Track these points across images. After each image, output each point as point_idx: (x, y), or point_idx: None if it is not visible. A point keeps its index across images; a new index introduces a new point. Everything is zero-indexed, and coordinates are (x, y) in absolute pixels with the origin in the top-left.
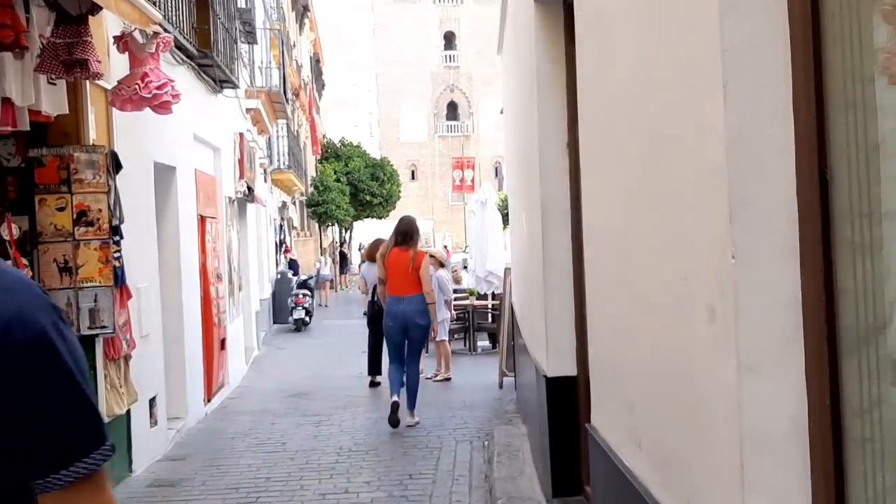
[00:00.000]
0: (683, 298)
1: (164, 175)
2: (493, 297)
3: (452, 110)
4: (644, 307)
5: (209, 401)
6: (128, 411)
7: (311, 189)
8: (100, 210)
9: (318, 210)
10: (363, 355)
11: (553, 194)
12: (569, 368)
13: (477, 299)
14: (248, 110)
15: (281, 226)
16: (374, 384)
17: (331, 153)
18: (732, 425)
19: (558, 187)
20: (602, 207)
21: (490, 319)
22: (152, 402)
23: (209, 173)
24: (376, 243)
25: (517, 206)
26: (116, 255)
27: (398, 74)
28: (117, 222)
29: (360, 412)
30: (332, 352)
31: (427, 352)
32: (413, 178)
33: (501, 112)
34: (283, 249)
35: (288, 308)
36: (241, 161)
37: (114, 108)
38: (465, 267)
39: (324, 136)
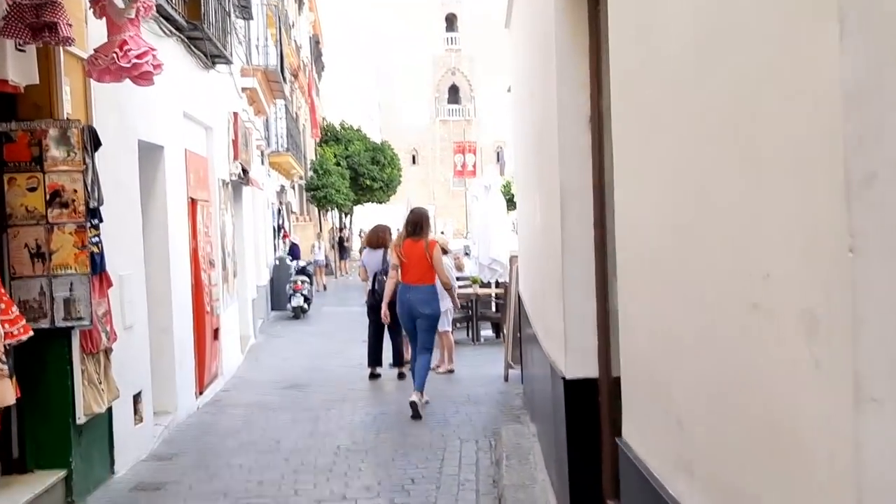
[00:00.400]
0: (765, 304)
1: (150, 155)
2: (497, 285)
3: (454, 94)
4: (704, 310)
5: (201, 393)
6: (109, 409)
7: (310, 173)
8: (75, 191)
9: (318, 194)
10: (363, 344)
11: (573, 176)
12: (590, 370)
13: (480, 287)
14: (243, 89)
15: (279, 210)
16: (374, 376)
17: (331, 136)
18: (842, 471)
19: (579, 168)
20: (643, 189)
21: (494, 308)
22: (137, 397)
23: (201, 154)
24: (377, 229)
25: (527, 191)
26: (94, 239)
27: (399, 58)
28: (95, 204)
29: (359, 406)
30: (332, 340)
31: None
32: (414, 162)
33: (509, 90)
34: (281, 234)
35: (286, 295)
36: (235, 142)
37: (91, 80)
38: (467, 254)
39: (323, 119)
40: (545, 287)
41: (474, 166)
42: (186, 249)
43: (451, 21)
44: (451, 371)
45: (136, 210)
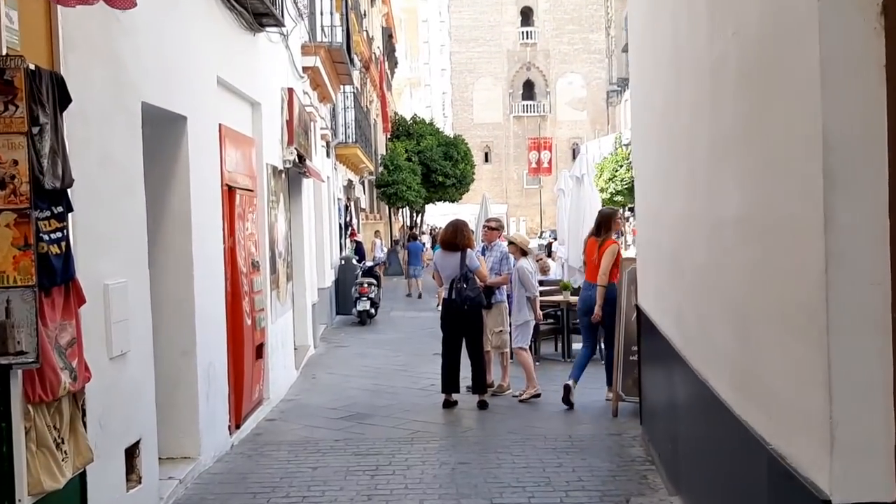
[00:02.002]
0: None
1: (167, 127)
2: None
3: (528, 89)
4: None
5: (238, 426)
6: (81, 476)
7: (380, 168)
8: (15, 162)
9: (388, 191)
10: (435, 359)
11: (850, 117)
12: (881, 488)
13: (571, 294)
14: (304, 69)
15: (346, 206)
16: (448, 404)
17: (402, 131)
18: None
19: (862, 102)
20: None
21: None
22: (133, 451)
23: (244, 133)
24: (455, 227)
25: (674, 158)
26: (55, 235)
27: (473, 53)
28: (56, 184)
29: (431, 451)
30: (399, 352)
31: (512, 359)
32: (487, 160)
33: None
34: (349, 233)
35: (352, 298)
36: (290, 123)
37: (59, 10)
38: (549, 255)
39: (395, 113)
40: (745, 313)
41: (550, 163)
42: (219, 249)
43: (526, 15)
44: (537, 396)
45: (138, 196)
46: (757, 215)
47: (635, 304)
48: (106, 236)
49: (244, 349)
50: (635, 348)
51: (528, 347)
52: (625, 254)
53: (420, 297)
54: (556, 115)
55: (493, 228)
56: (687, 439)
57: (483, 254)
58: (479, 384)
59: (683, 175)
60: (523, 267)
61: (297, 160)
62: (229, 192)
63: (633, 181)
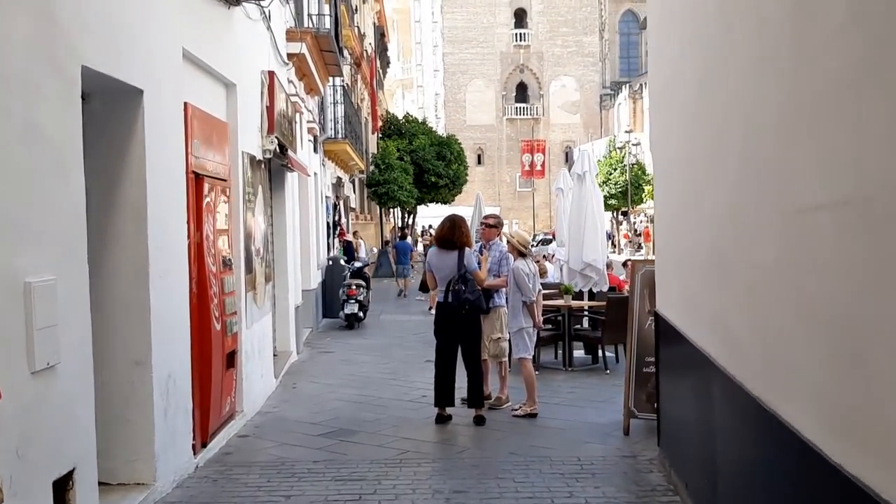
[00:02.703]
0: None
1: (119, 100)
2: (591, 296)
3: (522, 92)
4: None
5: (204, 445)
6: None
7: (371, 167)
8: None
9: (379, 190)
10: (427, 366)
11: None
12: None
13: (573, 298)
14: (290, 56)
15: (335, 205)
16: (442, 419)
17: (394, 130)
18: None
19: None
20: None
21: (588, 324)
22: (64, 483)
23: (217, 116)
24: (452, 223)
25: (714, 142)
26: None
27: (466, 54)
28: None
29: (422, 476)
30: (389, 358)
31: (510, 369)
32: (479, 162)
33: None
34: (338, 232)
35: (339, 300)
36: (270, 109)
37: None
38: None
39: (386, 111)
40: (849, 328)
41: (543, 166)
42: (183, 244)
43: (520, 17)
44: (533, 415)
45: (74, 178)
46: (876, 197)
47: (649, 311)
48: (27, 225)
49: (212, 357)
50: (650, 359)
51: (531, 358)
52: (618, 258)
53: (405, 295)
54: (549, 117)
55: (492, 226)
56: (737, 477)
57: (480, 253)
58: (476, 397)
59: (733, 154)
60: (518, 268)
61: (278, 150)
62: (196, 180)
63: (626, 185)
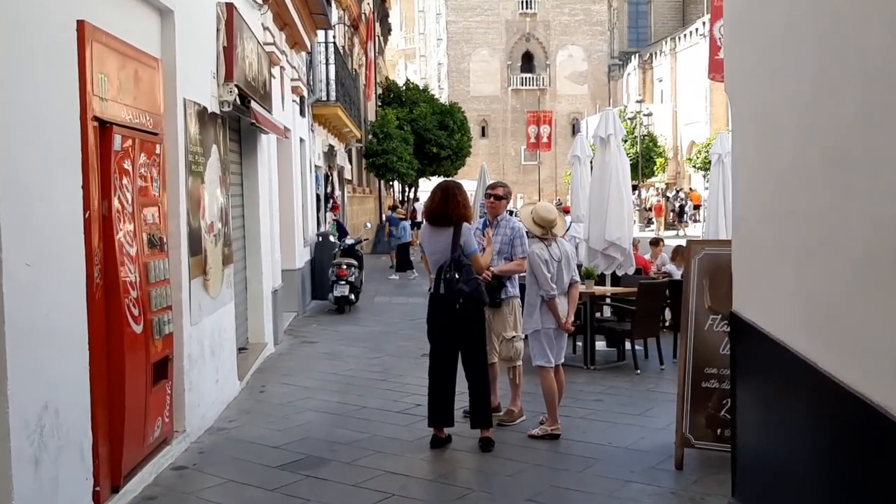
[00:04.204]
0: None
1: None
2: (616, 280)
3: (527, 61)
4: None
5: (116, 489)
6: None
7: (369, 137)
8: None
9: (377, 161)
10: (424, 361)
11: None
12: None
13: (595, 284)
14: (264, 0)
15: (327, 175)
16: (438, 442)
17: (393, 97)
18: None
19: None
20: None
21: (611, 313)
22: None
23: (143, 49)
24: (444, 191)
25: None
26: None
27: (470, 22)
28: None
29: None
30: (380, 351)
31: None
32: (483, 134)
33: None
34: (330, 205)
35: (329, 281)
36: (228, 51)
37: None
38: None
39: (386, 78)
40: None
41: (549, 138)
42: (74, 218)
43: None
44: (555, 436)
45: None
46: None
47: (709, 307)
48: None
49: (125, 371)
50: (711, 370)
51: (553, 367)
52: (643, 236)
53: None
54: (555, 88)
55: (500, 197)
56: None
57: (483, 232)
58: (482, 415)
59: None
60: (534, 253)
61: (238, 102)
62: (101, 130)
63: (637, 157)
